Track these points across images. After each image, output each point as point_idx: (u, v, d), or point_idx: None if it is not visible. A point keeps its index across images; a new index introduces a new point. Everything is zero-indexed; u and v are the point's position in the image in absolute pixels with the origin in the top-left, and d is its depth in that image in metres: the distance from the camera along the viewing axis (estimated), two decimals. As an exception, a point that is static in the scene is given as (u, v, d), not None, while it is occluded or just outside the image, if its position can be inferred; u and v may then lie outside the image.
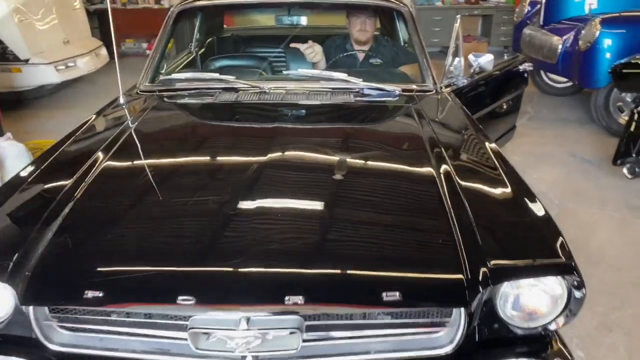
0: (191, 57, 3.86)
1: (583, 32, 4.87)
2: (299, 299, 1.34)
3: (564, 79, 6.17)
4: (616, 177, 4.12)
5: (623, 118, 4.81)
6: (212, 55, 3.84)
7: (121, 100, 2.77)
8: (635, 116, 3.53)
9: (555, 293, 1.50)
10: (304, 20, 3.62)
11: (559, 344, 1.62)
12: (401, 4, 3.12)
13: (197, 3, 3.33)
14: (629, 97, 4.68)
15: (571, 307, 1.50)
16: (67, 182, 1.82)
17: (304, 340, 1.41)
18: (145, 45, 9.51)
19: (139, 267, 1.46)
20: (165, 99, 2.76)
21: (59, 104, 6.66)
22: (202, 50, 4.07)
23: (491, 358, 1.54)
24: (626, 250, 3.24)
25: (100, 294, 1.36)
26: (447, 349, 1.47)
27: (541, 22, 5.73)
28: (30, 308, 1.45)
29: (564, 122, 5.61)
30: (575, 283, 1.47)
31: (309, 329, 1.41)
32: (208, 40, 4.25)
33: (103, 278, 1.43)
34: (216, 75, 2.86)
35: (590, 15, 5.13)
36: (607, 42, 4.65)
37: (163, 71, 3.16)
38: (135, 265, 1.47)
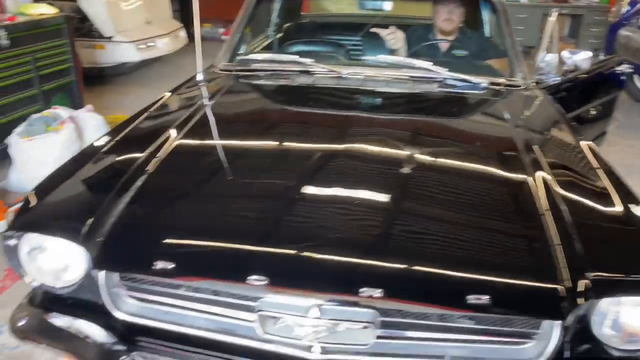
0: (268, 41, 3.83)
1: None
2: (377, 292, 1.24)
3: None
4: None
5: None
6: (289, 40, 3.79)
7: (199, 77, 2.76)
8: None
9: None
10: (388, 6, 3.49)
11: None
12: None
13: None
14: None
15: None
16: (142, 155, 1.79)
17: (377, 337, 1.32)
18: (222, 30, 9.64)
19: (212, 243, 1.41)
20: (242, 79, 2.72)
21: (137, 82, 6.88)
22: (280, 34, 4.04)
23: None
24: None
25: (172, 266, 1.33)
26: (534, 362, 1.33)
27: (641, 24, 5.30)
28: (102, 273, 1.43)
29: (657, 133, 5.17)
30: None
31: (384, 325, 1.32)
32: (285, 25, 4.20)
33: (176, 250, 1.39)
34: (295, 57, 2.79)
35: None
36: None
37: (241, 52, 3.13)
38: (207, 241, 1.43)
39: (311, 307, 1.27)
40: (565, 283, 1.27)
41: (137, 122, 2.14)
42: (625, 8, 5.95)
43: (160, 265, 1.33)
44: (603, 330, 1.35)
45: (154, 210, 1.57)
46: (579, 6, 7.91)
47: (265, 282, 1.27)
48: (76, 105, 4.46)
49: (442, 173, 1.83)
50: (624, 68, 3.53)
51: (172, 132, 1.98)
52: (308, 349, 1.35)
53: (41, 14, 4.20)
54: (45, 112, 3.84)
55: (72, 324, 1.58)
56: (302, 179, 1.66)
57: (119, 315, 1.48)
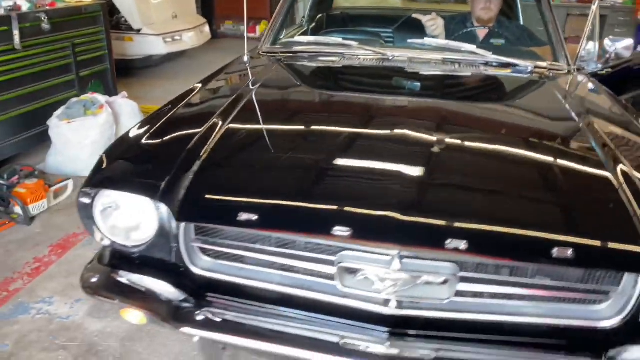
0: (302, 30, 3.87)
1: None
2: (462, 244, 1.25)
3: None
4: None
5: None
6: (323, 30, 3.83)
7: (245, 59, 2.80)
8: None
9: None
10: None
11: None
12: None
13: None
14: None
15: None
16: (211, 119, 1.83)
17: (455, 293, 1.33)
18: (243, 27, 9.71)
19: (296, 196, 1.44)
20: (287, 61, 2.76)
21: (163, 75, 6.95)
22: (313, 24, 4.08)
23: None
24: None
25: (256, 217, 1.35)
26: (613, 322, 1.34)
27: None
28: (182, 226, 1.46)
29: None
30: None
31: (462, 280, 1.33)
32: (318, 17, 4.24)
33: (260, 202, 1.42)
34: (340, 40, 2.82)
35: None
36: None
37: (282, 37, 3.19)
38: (291, 194, 1.46)
39: (393, 259, 1.29)
40: None
41: (196, 91, 2.20)
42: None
43: (245, 216, 1.35)
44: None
45: (233, 166, 1.62)
46: (603, 6, 7.87)
47: (349, 232, 1.29)
48: (110, 93, 4.52)
49: (516, 143, 1.84)
50: (661, 60, 3.54)
51: (235, 100, 2.03)
52: (385, 303, 1.37)
53: (79, 1, 4.27)
54: (84, 97, 3.89)
55: (142, 282, 1.61)
56: (377, 144, 1.75)
57: (195, 270, 1.50)
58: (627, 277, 1.32)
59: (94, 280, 1.63)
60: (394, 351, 1.35)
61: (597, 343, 1.36)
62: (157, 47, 6.47)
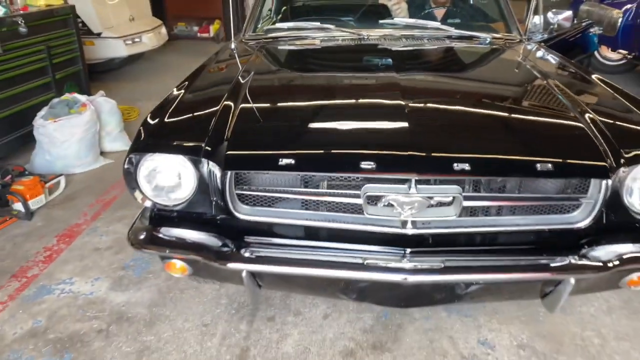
0: (273, 20, 4.11)
1: (644, 4, 5.00)
2: (466, 166, 1.56)
3: (618, 57, 6.28)
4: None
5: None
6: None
7: (232, 45, 3.04)
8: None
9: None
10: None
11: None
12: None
13: None
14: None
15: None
16: (230, 85, 2.14)
17: (460, 211, 1.63)
18: (196, 28, 9.81)
19: (327, 143, 1.72)
20: (271, 44, 3.01)
21: (125, 78, 7.00)
22: (280, 16, 4.32)
23: (616, 241, 1.73)
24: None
25: (294, 162, 1.61)
26: (584, 224, 1.68)
27: (599, -3, 5.86)
28: (227, 177, 1.70)
29: (620, 96, 5.72)
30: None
31: (466, 199, 1.64)
32: (283, 9, 4.49)
33: (297, 149, 1.68)
34: (318, 23, 3.10)
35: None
36: (669, 13, 4.77)
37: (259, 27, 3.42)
38: (322, 141, 1.74)
39: (411, 185, 1.58)
40: (606, 155, 1.63)
41: (202, 73, 2.45)
42: (584, -15, 6.51)
43: (285, 161, 1.61)
44: (630, 199, 1.71)
45: (264, 125, 1.88)
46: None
47: (373, 166, 1.58)
48: (84, 93, 4.59)
49: (498, 94, 2.27)
50: (595, 30, 4.00)
51: (245, 73, 2.33)
52: (403, 225, 1.66)
53: (48, 5, 4.34)
54: (65, 97, 3.99)
55: (185, 234, 1.83)
56: (383, 101, 2.07)
57: (238, 215, 1.75)
58: (593, 186, 1.67)
59: (141, 237, 1.84)
60: (410, 265, 1.65)
61: (573, 242, 1.70)
62: (118, 49, 6.53)
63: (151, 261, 2.78)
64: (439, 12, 3.53)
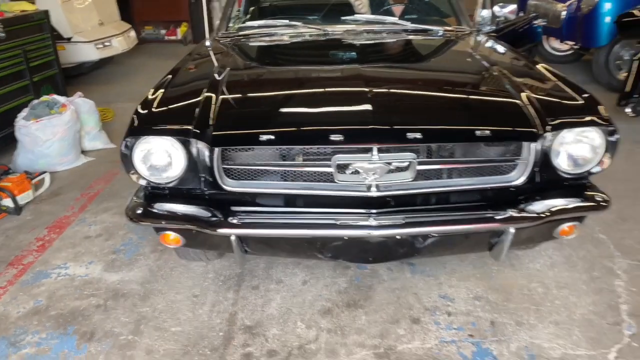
0: (243, 20, 4.36)
1: (585, -2, 5.44)
2: (417, 135, 1.85)
3: (565, 47, 6.74)
4: (621, 120, 4.69)
5: (622, 75, 5.35)
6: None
7: (207, 43, 3.27)
8: (638, 63, 4.07)
9: (595, 143, 2.03)
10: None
11: (596, 189, 2.15)
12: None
13: None
14: (626, 55, 5.26)
15: (609, 151, 2.02)
16: (211, 73, 2.43)
17: (416, 173, 1.93)
18: (164, 31, 9.95)
19: (301, 120, 2.00)
20: (245, 41, 3.26)
21: (97, 81, 7.12)
22: (249, 16, 4.57)
23: (549, 197, 2.06)
24: (631, 169, 3.81)
25: (274, 137, 1.88)
26: (519, 182, 2.00)
27: (545, -8, 6.29)
28: (215, 154, 1.95)
29: (568, 83, 6.18)
30: (610, 131, 2.00)
31: (420, 164, 1.93)
32: (251, 9, 4.74)
33: (276, 126, 1.95)
34: (286, 21, 3.36)
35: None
36: (607, 5, 5.20)
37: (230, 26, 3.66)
38: (298, 119, 2.01)
39: (373, 150, 1.87)
40: (536, 122, 1.95)
41: (187, 65, 2.71)
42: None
43: (265, 137, 1.87)
44: (557, 160, 2.03)
45: (245, 107, 2.15)
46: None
47: (342, 138, 1.85)
48: (62, 95, 4.75)
49: (449, 77, 2.61)
50: (539, 22, 4.39)
51: (221, 68, 2.58)
52: (369, 189, 1.94)
53: (23, 10, 4.49)
54: (44, 98, 4.15)
55: (177, 208, 2.08)
56: (348, 84, 2.36)
57: (226, 187, 2.00)
58: (524, 149, 1.98)
59: (138, 211, 2.08)
60: (375, 222, 1.94)
61: (513, 199, 2.02)
62: (89, 53, 6.66)
63: (140, 245, 3.00)
64: (397, 9, 3.84)
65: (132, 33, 7.83)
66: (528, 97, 2.12)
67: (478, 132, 1.88)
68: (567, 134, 2.01)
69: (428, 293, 2.53)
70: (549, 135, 1.96)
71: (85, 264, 2.87)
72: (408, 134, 1.86)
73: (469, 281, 2.60)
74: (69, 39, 6.51)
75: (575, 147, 2.03)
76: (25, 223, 3.34)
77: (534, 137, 1.93)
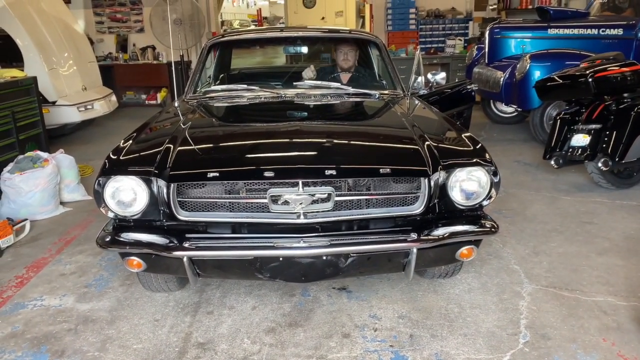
0: (209, 84, 4.93)
1: (518, 66, 6.16)
2: (333, 172, 2.33)
3: (510, 110, 7.48)
4: (549, 172, 5.28)
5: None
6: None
7: (176, 104, 3.79)
8: (558, 121, 4.67)
9: (482, 180, 2.53)
10: (304, 49, 4.74)
11: (488, 218, 2.63)
12: (376, 37, 4.31)
13: (224, 39, 4.44)
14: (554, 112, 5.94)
15: (494, 188, 2.52)
16: (173, 127, 2.92)
17: (334, 204, 2.39)
18: (144, 96, 10.57)
19: (242, 161, 2.50)
20: (209, 102, 3.79)
21: (78, 141, 7.59)
22: (218, 82, 5.15)
23: (449, 224, 2.53)
24: (552, 213, 4.32)
25: (219, 175, 2.34)
26: (420, 210, 2.47)
27: (486, 62, 7.05)
28: (172, 189, 2.39)
29: (510, 141, 6.84)
30: (493, 171, 2.50)
31: (337, 195, 2.40)
32: (221, 75, 5.33)
33: (220, 166, 2.42)
34: (245, 86, 3.92)
35: (523, 54, 6.43)
36: (536, 72, 5.92)
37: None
38: (238, 159, 2.50)
39: (299, 185, 2.34)
40: (429, 164, 2.46)
41: (153, 122, 3.19)
42: (474, 53, 7.78)
43: (211, 174, 2.34)
44: (453, 193, 2.52)
45: (197, 151, 2.62)
46: (445, 56, 9.93)
47: (273, 174, 2.32)
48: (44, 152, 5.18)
49: (363, 125, 3.23)
50: (473, 87, 5.02)
51: (184, 123, 3.05)
52: (297, 216, 2.39)
53: (13, 76, 4.99)
54: (29, 153, 4.58)
55: (140, 237, 2.49)
56: (284, 135, 2.88)
57: (180, 217, 2.43)
58: (422, 184, 2.47)
59: (107, 239, 2.49)
60: (305, 244, 2.37)
61: (417, 225, 2.48)
62: (72, 115, 7.16)
63: (110, 280, 3.36)
64: (345, 76, 4.43)
65: (113, 97, 8.40)
66: (429, 145, 2.62)
67: (381, 170, 2.38)
68: (459, 173, 2.51)
69: (360, 314, 2.92)
70: (442, 172, 2.46)
71: (60, 296, 3.21)
72: (326, 171, 2.33)
73: (397, 304, 3.00)
74: (53, 103, 7.02)
75: (467, 184, 2.53)
76: (5, 264, 3.68)
77: (425, 174, 2.43)
